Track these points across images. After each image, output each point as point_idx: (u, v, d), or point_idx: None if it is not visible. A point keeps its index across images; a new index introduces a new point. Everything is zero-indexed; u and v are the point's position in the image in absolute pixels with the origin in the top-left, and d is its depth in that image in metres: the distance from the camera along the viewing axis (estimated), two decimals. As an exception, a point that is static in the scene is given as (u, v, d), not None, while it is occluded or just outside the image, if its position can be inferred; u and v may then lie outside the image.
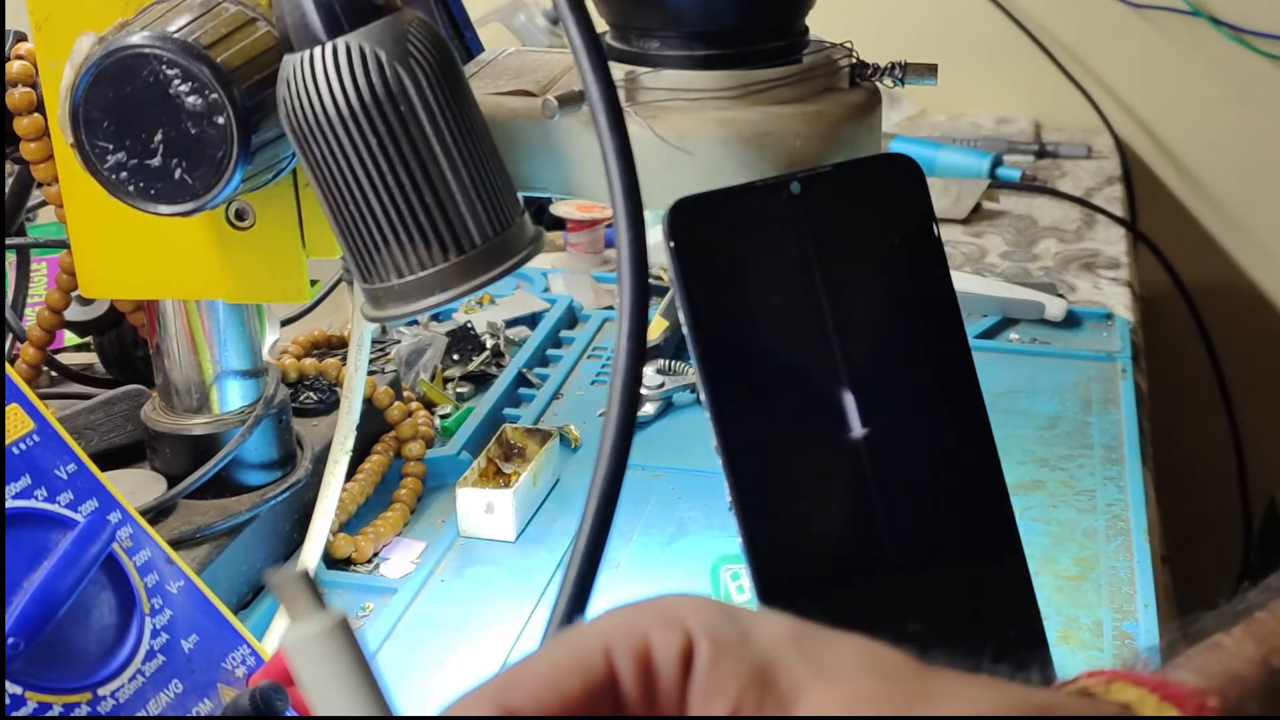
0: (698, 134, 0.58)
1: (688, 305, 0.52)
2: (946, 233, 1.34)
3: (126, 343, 0.91)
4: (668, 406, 0.99)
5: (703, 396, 0.51)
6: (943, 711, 0.33)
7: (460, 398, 1.01)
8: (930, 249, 0.55)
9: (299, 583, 0.30)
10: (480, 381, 1.03)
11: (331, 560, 0.79)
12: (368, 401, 0.88)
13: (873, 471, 0.52)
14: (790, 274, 0.53)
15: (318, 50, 0.53)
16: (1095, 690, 0.38)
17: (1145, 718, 0.36)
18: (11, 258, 0.93)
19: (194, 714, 0.59)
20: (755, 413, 0.52)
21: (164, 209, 0.61)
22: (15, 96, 0.70)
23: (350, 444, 0.76)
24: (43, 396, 0.80)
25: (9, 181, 0.82)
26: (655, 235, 0.52)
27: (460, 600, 0.77)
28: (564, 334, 1.12)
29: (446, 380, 1.03)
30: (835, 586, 0.51)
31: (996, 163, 1.48)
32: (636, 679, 0.34)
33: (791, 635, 0.35)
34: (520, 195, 0.59)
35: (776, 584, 0.50)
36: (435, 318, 1.11)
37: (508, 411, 0.99)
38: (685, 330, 0.52)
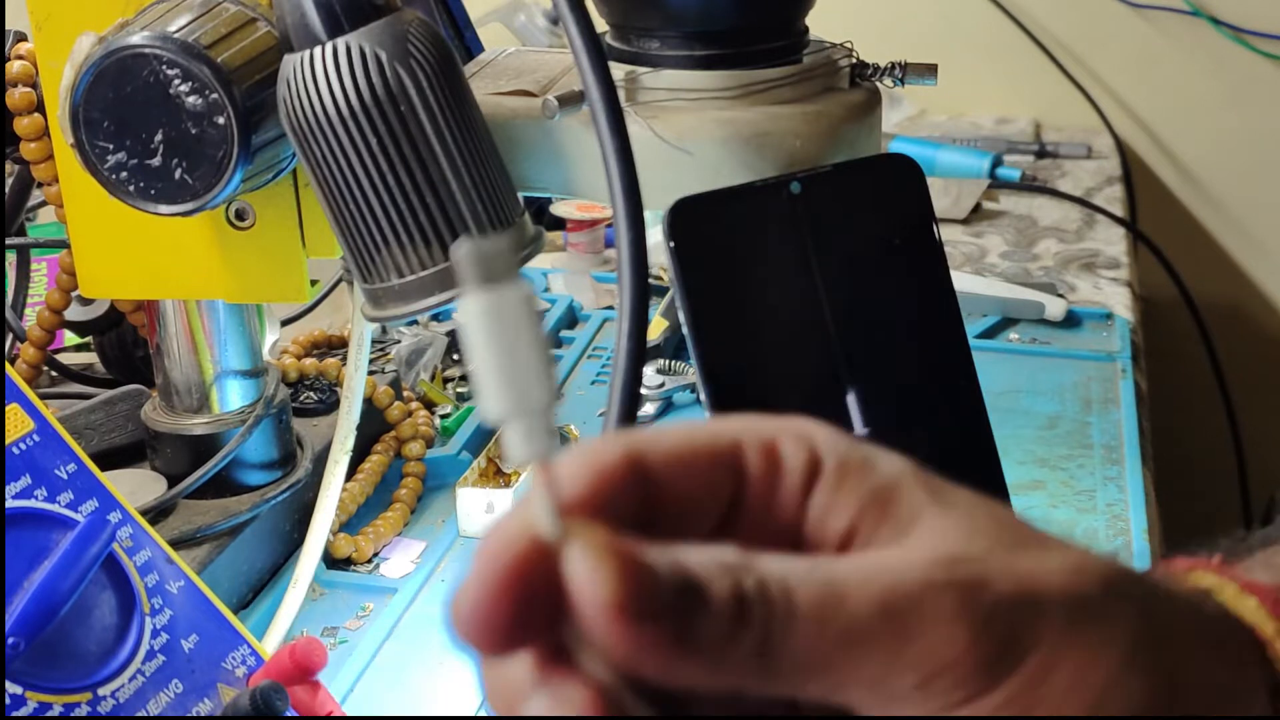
0: (698, 134, 0.58)
1: (688, 305, 0.52)
2: (946, 233, 1.34)
3: (126, 343, 0.91)
4: (668, 406, 0.99)
5: (703, 396, 0.51)
6: (1054, 556, 0.33)
7: (460, 398, 1.01)
8: (930, 249, 0.55)
9: (492, 254, 0.29)
10: (480, 381, 1.03)
11: (331, 560, 0.79)
12: (368, 401, 0.88)
13: None
14: (790, 274, 0.53)
15: (318, 50, 0.53)
16: (1176, 576, 0.38)
17: (1225, 604, 0.36)
18: (11, 258, 0.93)
19: (194, 714, 0.59)
20: (756, 413, 0.52)
21: (164, 209, 0.61)
22: (15, 96, 0.70)
23: (350, 444, 0.76)
24: (43, 396, 0.80)
25: (9, 181, 0.82)
26: (655, 235, 0.52)
27: (460, 600, 0.77)
28: (564, 334, 1.12)
29: (446, 380, 1.03)
30: None
31: (996, 163, 1.48)
32: (762, 475, 0.34)
33: (913, 470, 0.35)
34: (520, 195, 0.59)
35: None
36: (435, 318, 1.11)
37: (508, 411, 0.99)
38: (685, 330, 0.52)
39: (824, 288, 0.53)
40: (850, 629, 0.30)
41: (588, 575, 0.29)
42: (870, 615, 0.30)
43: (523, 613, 0.29)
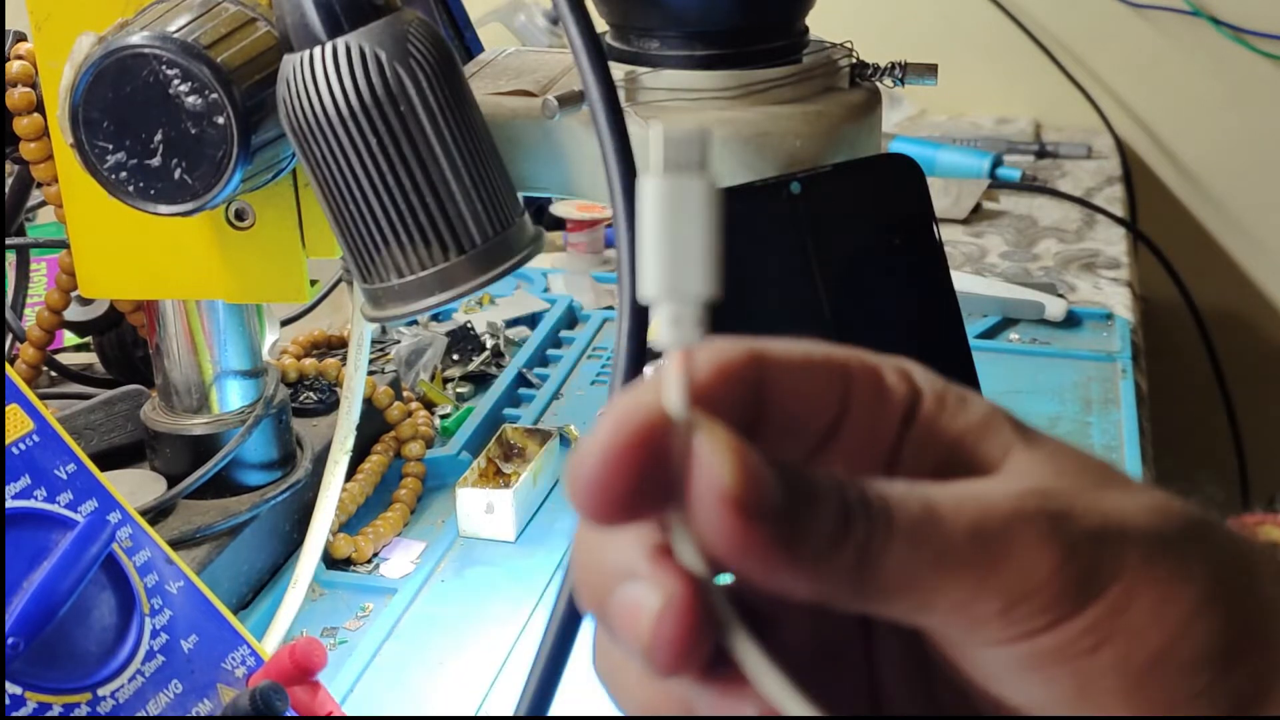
0: (698, 134, 0.58)
1: None
2: (946, 233, 1.34)
3: (126, 343, 0.91)
4: (668, 406, 0.98)
5: None
6: (1138, 497, 0.34)
7: (460, 398, 1.01)
8: (930, 249, 0.55)
9: (689, 138, 0.30)
10: (480, 381, 1.03)
11: (331, 560, 0.79)
12: (368, 401, 0.88)
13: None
14: (790, 274, 0.53)
15: (318, 50, 0.53)
16: (1246, 529, 0.39)
17: None
18: (11, 258, 0.93)
19: (194, 714, 0.59)
20: None
21: (164, 209, 0.61)
22: (15, 96, 0.70)
23: (350, 444, 0.76)
24: (43, 396, 0.80)
25: (9, 181, 0.82)
26: (655, 235, 0.52)
27: (460, 600, 0.77)
28: (564, 334, 1.12)
29: (446, 380, 1.03)
30: None
31: (996, 163, 1.48)
32: (867, 399, 0.35)
33: (1004, 411, 0.36)
34: (520, 195, 0.59)
35: None
36: (435, 318, 1.11)
37: (508, 411, 0.99)
38: None
39: (824, 287, 0.53)
40: (944, 551, 0.31)
41: (711, 463, 0.29)
42: (963, 539, 0.31)
43: (643, 485, 0.30)
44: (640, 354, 0.45)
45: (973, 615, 0.32)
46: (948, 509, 0.32)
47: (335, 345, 0.99)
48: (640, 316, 0.45)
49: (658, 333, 0.30)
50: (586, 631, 0.42)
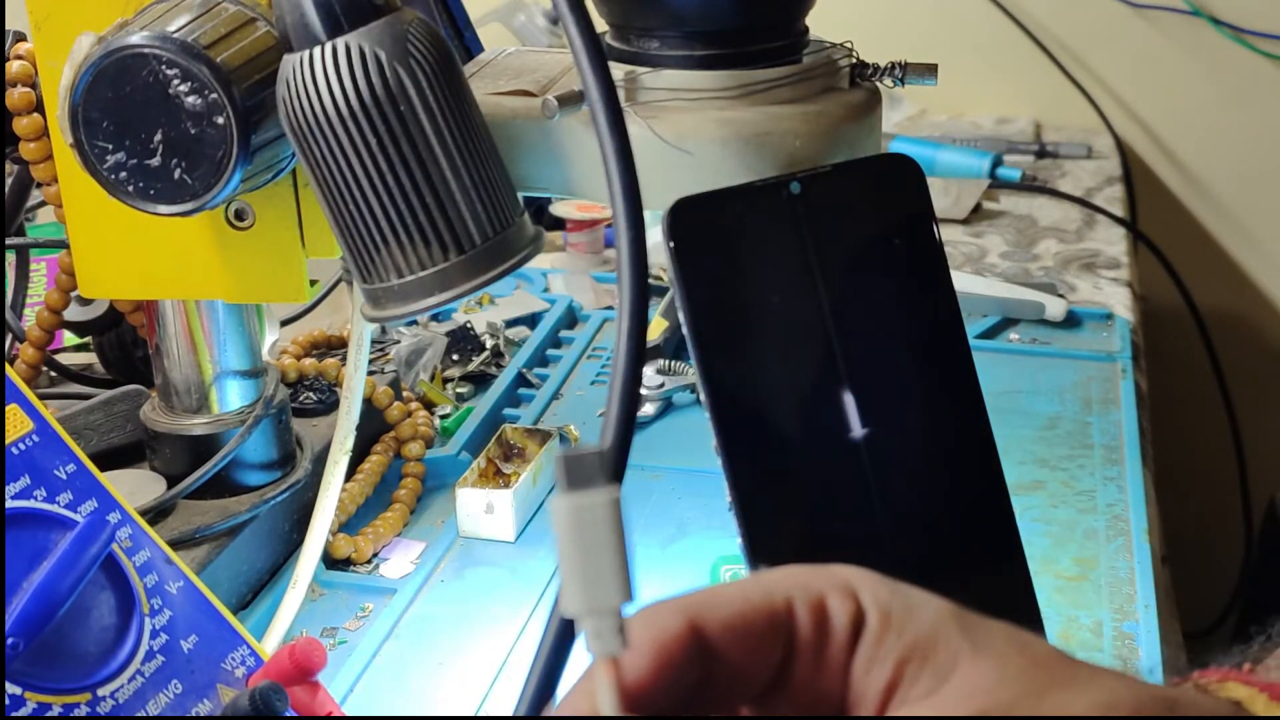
0: (698, 134, 0.58)
1: (687, 305, 0.52)
2: (946, 233, 1.34)
3: (126, 343, 0.91)
4: (668, 406, 0.99)
5: (703, 396, 0.51)
6: (1083, 695, 0.35)
7: (460, 398, 1.01)
8: (930, 249, 0.55)
9: (584, 459, 0.33)
10: (480, 381, 1.03)
11: (331, 560, 0.79)
12: (368, 401, 0.88)
13: (873, 471, 0.52)
14: (790, 274, 0.53)
15: (318, 50, 0.53)
16: (1209, 688, 0.39)
17: (1257, 716, 0.37)
18: (11, 258, 0.93)
19: (194, 714, 0.59)
20: (755, 413, 0.52)
21: (164, 209, 0.61)
22: (15, 96, 0.70)
23: (350, 444, 0.76)
24: (42, 396, 0.80)
25: (9, 181, 0.82)
26: (655, 235, 0.52)
27: (460, 600, 0.77)
28: (564, 334, 1.12)
29: (446, 380, 1.03)
30: None
31: (996, 163, 1.48)
32: (812, 634, 0.36)
33: (951, 613, 0.37)
34: (520, 195, 0.59)
35: None
36: (435, 318, 1.11)
37: (508, 411, 0.99)
38: (685, 330, 0.52)
39: (824, 288, 0.53)
40: None
41: None
42: None
43: None
44: (640, 354, 0.45)
45: None
46: None
47: (335, 345, 0.99)
48: (640, 316, 0.45)
49: (584, 643, 0.33)
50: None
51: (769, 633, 0.36)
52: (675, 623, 0.35)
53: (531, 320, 1.14)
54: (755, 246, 0.53)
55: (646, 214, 0.47)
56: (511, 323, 1.12)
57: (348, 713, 0.67)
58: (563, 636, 0.42)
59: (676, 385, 0.99)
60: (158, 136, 0.59)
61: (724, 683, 0.36)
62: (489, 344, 1.07)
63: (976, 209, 1.41)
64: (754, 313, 0.52)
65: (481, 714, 0.69)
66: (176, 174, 0.60)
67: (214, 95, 0.58)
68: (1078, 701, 0.35)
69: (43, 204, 0.92)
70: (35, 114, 0.70)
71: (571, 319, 1.15)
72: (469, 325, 1.08)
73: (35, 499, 0.57)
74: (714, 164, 0.58)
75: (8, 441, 0.57)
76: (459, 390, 1.02)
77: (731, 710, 0.36)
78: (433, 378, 1.02)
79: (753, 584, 0.37)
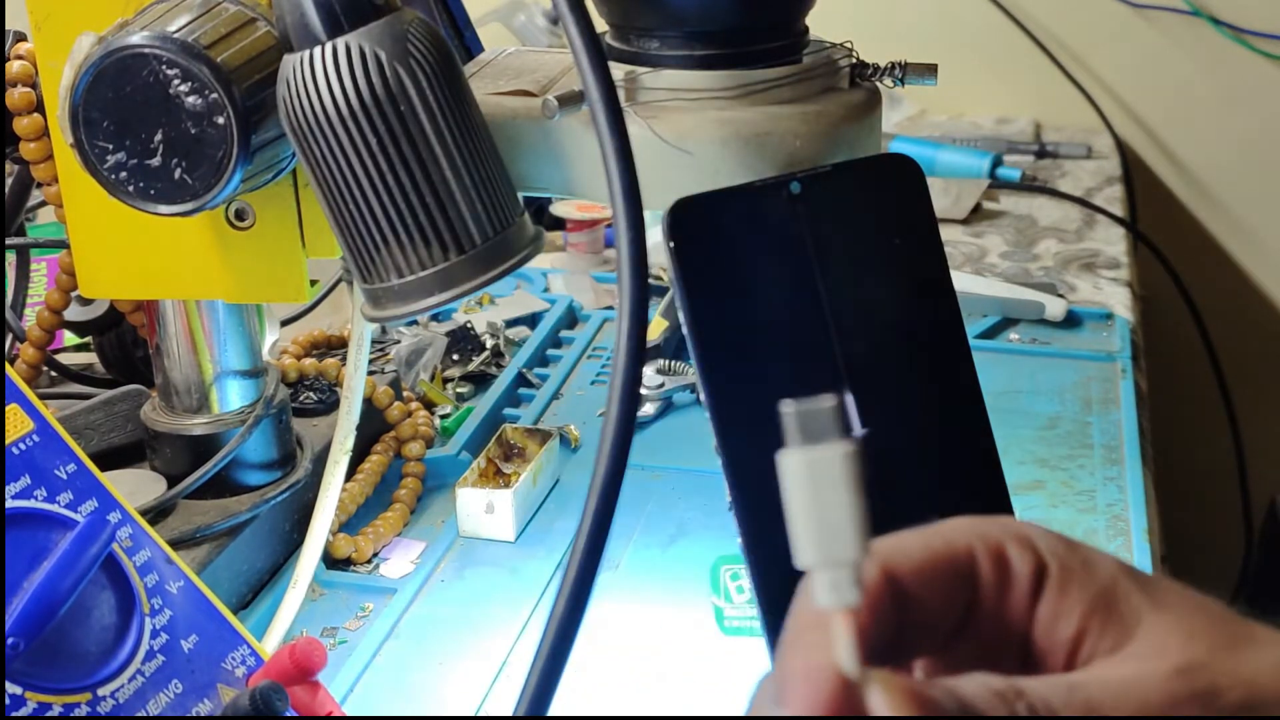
0: (698, 134, 0.58)
1: (688, 305, 0.51)
2: (946, 233, 1.34)
3: (126, 343, 0.91)
4: (668, 406, 0.99)
5: (703, 396, 0.51)
6: (1270, 649, 0.37)
7: (460, 398, 1.01)
8: (930, 249, 0.55)
9: (818, 413, 0.34)
10: (480, 381, 1.03)
11: (331, 560, 0.79)
12: (368, 401, 0.88)
13: (872, 472, 0.52)
14: (790, 274, 0.53)
15: (318, 50, 0.53)
16: None
17: None
18: (11, 258, 0.93)
19: (194, 714, 0.59)
20: (755, 413, 0.52)
21: (164, 209, 0.61)
22: (15, 96, 0.70)
23: (350, 444, 0.76)
24: (43, 396, 0.80)
25: (9, 181, 0.82)
26: (655, 235, 0.52)
27: (460, 600, 0.77)
28: (564, 334, 1.12)
29: (446, 380, 1.03)
30: None
31: (996, 163, 1.48)
32: (994, 582, 0.37)
33: (1124, 569, 0.38)
34: (520, 195, 0.59)
35: (777, 584, 0.50)
36: (435, 318, 1.11)
37: (508, 411, 0.99)
38: (685, 330, 0.52)
39: (824, 288, 0.53)
40: None
41: (891, 713, 0.33)
42: None
43: None
44: (640, 354, 0.45)
45: None
46: (1109, 706, 0.35)
47: (335, 345, 0.99)
48: (640, 316, 0.45)
49: (818, 596, 0.33)
50: (586, 632, 0.42)
51: (954, 578, 0.37)
52: (873, 570, 0.36)
53: (531, 320, 1.14)
54: (755, 246, 0.53)
55: (646, 214, 0.47)
56: (511, 323, 1.12)
57: (348, 713, 0.67)
58: (563, 636, 0.42)
59: (676, 385, 0.99)
60: (158, 136, 0.59)
61: (914, 628, 0.36)
62: (489, 344, 1.07)
63: (976, 209, 1.41)
64: (754, 313, 0.52)
65: (481, 714, 0.69)
66: (177, 174, 0.60)
67: (214, 95, 0.58)
68: (1264, 661, 0.36)
69: (43, 204, 0.92)
70: (35, 114, 0.70)
71: (571, 319, 1.15)
72: (469, 325, 1.08)
73: (36, 499, 0.57)
74: (714, 164, 0.58)
75: (8, 441, 0.57)
76: (459, 390, 1.02)
77: (920, 655, 0.37)
78: (433, 378, 1.02)
79: (931, 533, 0.38)
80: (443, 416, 0.97)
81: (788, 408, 0.34)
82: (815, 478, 0.33)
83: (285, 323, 1.04)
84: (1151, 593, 0.38)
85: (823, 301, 0.53)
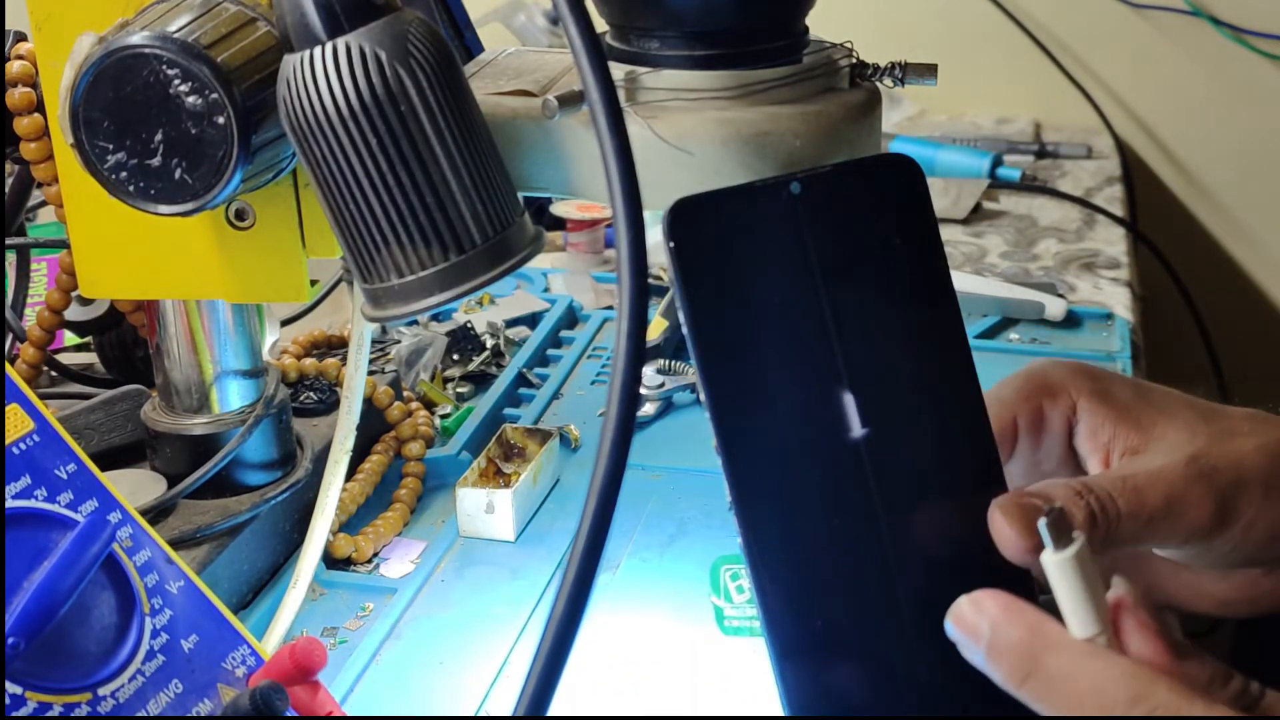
0: (698, 134, 0.58)
1: (687, 305, 0.51)
2: (946, 233, 1.34)
3: (126, 343, 0.91)
4: (668, 406, 0.99)
5: (702, 396, 0.51)
6: (1247, 443, 0.55)
7: (460, 398, 1.01)
8: (930, 249, 0.55)
9: (1057, 517, 0.48)
10: (480, 381, 1.03)
11: (331, 560, 0.79)
12: (368, 401, 0.88)
13: (873, 471, 0.52)
14: (790, 274, 0.53)
15: (318, 50, 0.53)
16: None
17: None
18: (11, 258, 0.93)
19: (194, 714, 0.59)
20: (755, 413, 0.52)
21: (164, 209, 0.61)
22: (15, 96, 0.70)
23: (350, 444, 0.76)
24: (43, 396, 0.80)
25: (9, 181, 0.82)
26: (655, 235, 0.52)
27: (460, 600, 0.77)
28: (564, 334, 1.12)
29: (446, 380, 1.03)
30: (836, 585, 0.51)
31: (996, 163, 1.48)
32: (1040, 423, 0.57)
33: (1135, 387, 0.57)
34: (520, 195, 0.59)
35: (777, 584, 0.50)
36: (435, 318, 1.11)
37: (508, 411, 0.99)
38: (685, 330, 0.52)
39: (824, 287, 0.53)
40: (1150, 518, 0.51)
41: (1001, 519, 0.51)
42: (1160, 507, 0.52)
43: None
44: (640, 354, 0.45)
45: (1163, 547, 0.56)
46: (1147, 489, 0.52)
47: (335, 345, 0.99)
48: (640, 316, 0.45)
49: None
50: (586, 632, 0.42)
51: (1006, 440, 0.56)
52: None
53: (531, 320, 1.14)
54: (755, 246, 0.53)
55: (646, 214, 0.47)
56: (511, 322, 1.12)
57: (348, 713, 0.67)
58: (563, 636, 0.42)
59: (676, 385, 0.99)
60: (158, 136, 0.59)
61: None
62: (489, 344, 1.07)
63: (976, 209, 1.41)
64: (754, 312, 0.52)
65: (481, 714, 0.69)
66: (177, 174, 0.60)
67: (214, 95, 0.58)
68: (1246, 444, 0.54)
69: (43, 204, 0.92)
70: (36, 114, 0.70)
71: (571, 319, 1.15)
72: (469, 325, 1.08)
73: (36, 499, 0.57)
74: (714, 164, 0.58)
75: (8, 441, 0.57)
76: (459, 390, 1.02)
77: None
78: (433, 377, 1.02)
79: (991, 400, 0.55)
80: (443, 416, 0.97)
81: (1041, 523, 0.48)
82: (1077, 568, 0.48)
83: (285, 323, 1.04)
84: (1157, 402, 0.56)
85: (823, 301, 0.53)
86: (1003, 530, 0.50)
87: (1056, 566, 0.48)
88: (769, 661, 0.50)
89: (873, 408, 0.52)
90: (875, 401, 0.52)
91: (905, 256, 0.54)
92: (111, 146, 0.60)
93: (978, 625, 0.48)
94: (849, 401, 0.52)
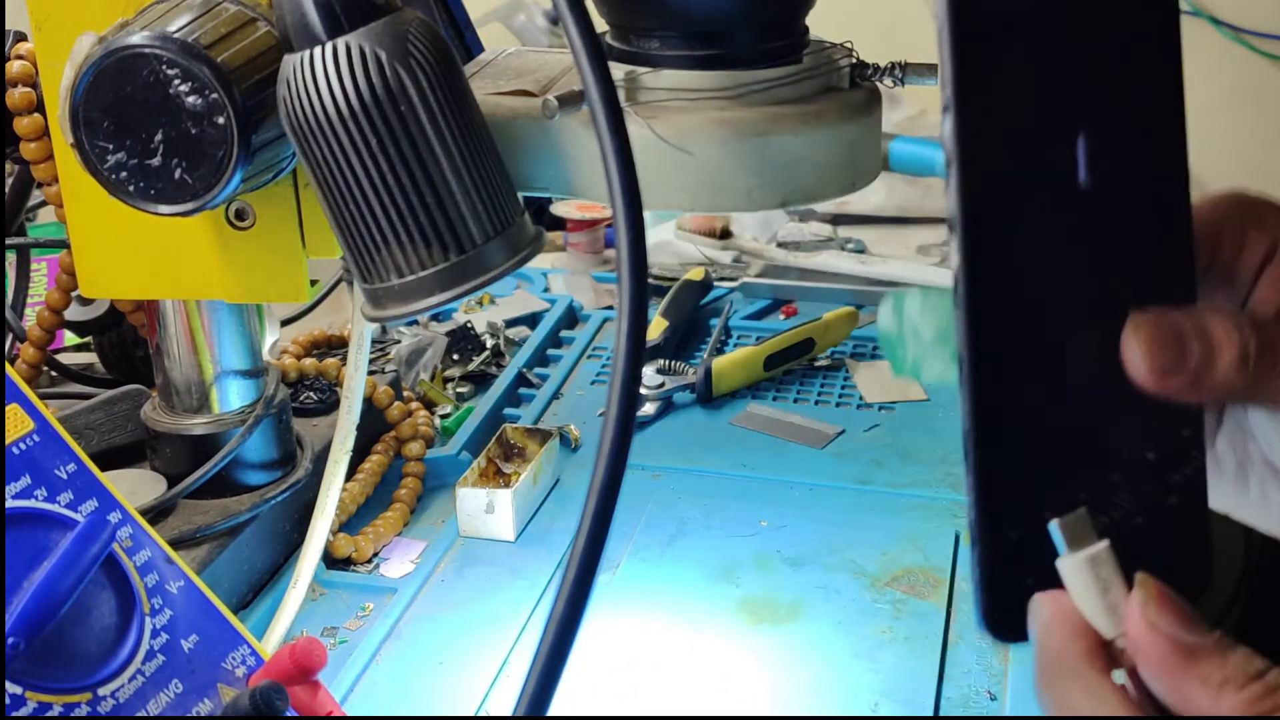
0: (698, 134, 0.58)
1: (958, 110, 0.47)
2: (946, 232, 1.33)
3: (126, 343, 0.91)
4: (668, 406, 0.99)
5: (955, 226, 0.47)
6: None
7: (460, 398, 1.01)
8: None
9: (1076, 521, 0.44)
10: (480, 381, 1.03)
11: (331, 560, 0.79)
12: (368, 401, 0.88)
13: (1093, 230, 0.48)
14: (1066, 69, 0.47)
15: (318, 50, 0.53)
16: None
17: None
18: (11, 258, 0.93)
19: (194, 714, 0.59)
20: (1017, 284, 0.48)
21: (164, 209, 0.61)
22: (15, 96, 0.70)
23: (350, 444, 0.76)
24: (43, 396, 0.80)
25: (9, 181, 0.82)
26: (655, 235, 0.52)
27: (460, 600, 0.77)
28: (564, 334, 1.12)
29: (446, 380, 1.03)
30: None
31: (997, 162, 1.47)
32: (1234, 255, 0.52)
33: None
34: (520, 195, 0.59)
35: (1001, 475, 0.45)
36: (435, 318, 1.11)
37: (508, 411, 0.99)
38: (946, 141, 0.47)
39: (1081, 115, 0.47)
40: None
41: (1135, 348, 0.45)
42: None
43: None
44: (640, 354, 0.45)
45: None
46: None
47: (335, 345, 0.99)
48: (640, 316, 0.45)
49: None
50: (585, 632, 0.42)
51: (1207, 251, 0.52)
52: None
53: (531, 320, 1.14)
54: (1041, 54, 0.47)
55: (646, 214, 0.47)
56: (511, 322, 1.12)
57: (348, 713, 0.67)
58: (563, 636, 0.42)
59: (676, 385, 0.99)
60: (158, 136, 0.59)
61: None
62: (489, 344, 1.07)
63: (976, 209, 1.40)
64: (1035, 119, 0.47)
65: (481, 714, 0.69)
66: (177, 174, 0.60)
67: (214, 95, 0.58)
68: None
69: (43, 204, 0.92)
70: (36, 114, 0.70)
71: (571, 319, 1.15)
72: (469, 325, 1.08)
73: (36, 499, 0.57)
74: (714, 164, 0.58)
75: (8, 441, 0.57)
76: (459, 390, 1.02)
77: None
78: (433, 377, 1.02)
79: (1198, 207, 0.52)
80: (443, 416, 0.97)
81: (1052, 525, 0.44)
82: (1094, 571, 0.44)
83: (285, 323, 1.04)
84: None
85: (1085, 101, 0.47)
86: (1130, 348, 0.44)
87: (1072, 568, 0.44)
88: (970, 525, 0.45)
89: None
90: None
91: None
92: (111, 146, 0.60)
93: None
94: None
